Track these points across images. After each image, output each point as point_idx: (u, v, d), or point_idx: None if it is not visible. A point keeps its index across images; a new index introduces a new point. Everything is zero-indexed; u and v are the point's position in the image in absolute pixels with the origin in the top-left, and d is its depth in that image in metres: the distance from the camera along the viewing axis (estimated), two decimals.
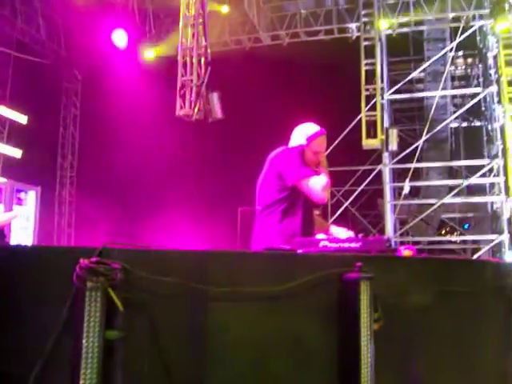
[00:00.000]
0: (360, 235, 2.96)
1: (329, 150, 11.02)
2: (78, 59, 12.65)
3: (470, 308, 2.48)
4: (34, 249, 2.36)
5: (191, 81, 9.43)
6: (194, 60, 9.50)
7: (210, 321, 1.96)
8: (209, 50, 9.69)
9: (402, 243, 11.68)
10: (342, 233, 3.71)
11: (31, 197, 8.34)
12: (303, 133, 3.75)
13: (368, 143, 10.69)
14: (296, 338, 2.07)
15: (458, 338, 2.42)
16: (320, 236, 3.28)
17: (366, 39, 11.03)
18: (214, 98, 9.55)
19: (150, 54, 11.86)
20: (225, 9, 11.40)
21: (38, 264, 1.97)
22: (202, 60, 9.58)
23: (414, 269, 2.38)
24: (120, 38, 11.12)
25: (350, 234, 3.65)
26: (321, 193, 3.52)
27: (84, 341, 1.83)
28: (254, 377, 2.01)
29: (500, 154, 11.11)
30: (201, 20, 9.53)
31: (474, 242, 13.99)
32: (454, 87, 14.00)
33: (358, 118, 10.83)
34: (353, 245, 2.88)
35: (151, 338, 1.91)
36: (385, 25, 11.26)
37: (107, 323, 1.85)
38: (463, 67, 15.15)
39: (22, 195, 8.19)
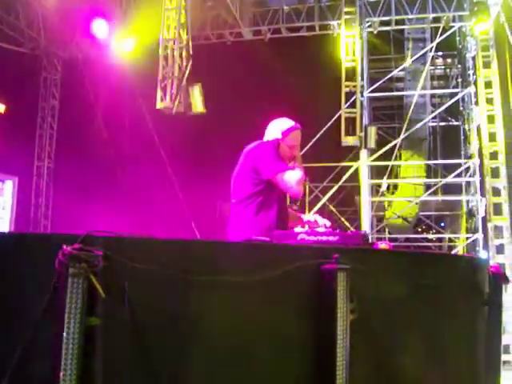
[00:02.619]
0: (337, 229, 3.01)
1: (308, 146, 11.20)
2: (58, 49, 12.51)
3: (443, 301, 2.55)
4: (16, 235, 2.36)
5: (172, 73, 9.41)
6: (176, 53, 9.47)
7: (192, 309, 2.00)
8: (190, 43, 9.67)
9: (379, 239, 11.82)
10: (317, 218, 3.79)
11: (8, 186, 8.26)
12: (278, 127, 3.81)
13: (347, 140, 10.76)
14: (274, 326, 2.11)
15: (431, 329, 2.49)
16: (298, 229, 3.34)
17: (347, 37, 11.09)
18: (195, 91, 9.54)
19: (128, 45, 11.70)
20: None
21: (19, 251, 1.97)
22: (184, 53, 9.56)
23: (389, 261, 2.44)
24: (101, 28, 11.01)
25: (325, 221, 3.73)
26: (296, 187, 3.58)
27: (65, 327, 1.85)
28: (234, 364, 2.05)
29: (476, 153, 11.29)
30: (183, 12, 9.51)
31: (450, 240, 14.23)
32: (433, 87, 14.19)
33: (338, 114, 10.90)
34: (330, 238, 2.93)
35: (133, 324, 1.94)
36: (366, 23, 11.35)
37: (89, 310, 1.87)
38: (442, 67, 15.35)
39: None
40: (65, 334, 1.84)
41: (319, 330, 2.14)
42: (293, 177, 3.56)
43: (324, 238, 2.93)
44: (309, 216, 3.88)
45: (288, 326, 2.14)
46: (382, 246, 2.74)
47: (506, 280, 3.02)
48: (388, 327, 2.33)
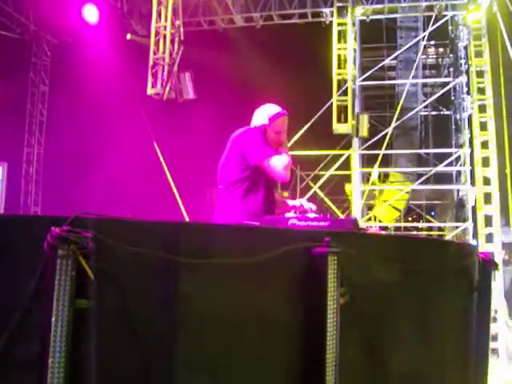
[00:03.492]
0: (328, 214, 3.01)
1: (299, 134, 11.17)
2: (48, 34, 12.36)
3: (433, 286, 2.55)
4: (4, 217, 2.34)
5: (163, 59, 9.35)
6: (167, 39, 9.41)
7: (181, 291, 1.98)
8: (182, 30, 9.60)
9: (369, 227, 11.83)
10: (303, 202, 3.81)
11: None
12: (265, 113, 3.84)
13: (338, 128, 10.76)
14: (265, 309, 2.11)
15: (421, 314, 2.50)
16: (289, 214, 3.33)
17: (339, 24, 11.05)
18: (187, 77, 9.49)
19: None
20: None
21: (8, 232, 1.95)
22: (176, 39, 9.49)
23: (380, 246, 2.44)
24: (91, 13, 10.89)
25: (311, 205, 3.76)
26: (282, 171, 3.60)
27: (54, 309, 1.83)
28: (223, 347, 2.04)
29: (467, 143, 11.34)
30: None
31: (440, 229, 14.31)
32: (424, 76, 14.18)
33: (330, 102, 10.88)
34: (321, 224, 2.93)
35: (122, 307, 1.92)
36: (359, 11, 11.31)
37: (78, 292, 1.85)
38: (434, 56, 15.34)
39: None
40: (53, 316, 1.83)
41: (309, 314, 2.14)
42: (279, 161, 3.58)
43: (315, 223, 2.93)
44: (294, 201, 3.90)
45: (277, 309, 2.14)
46: (374, 230, 2.74)
47: (496, 266, 3.03)
48: (378, 311, 2.33)
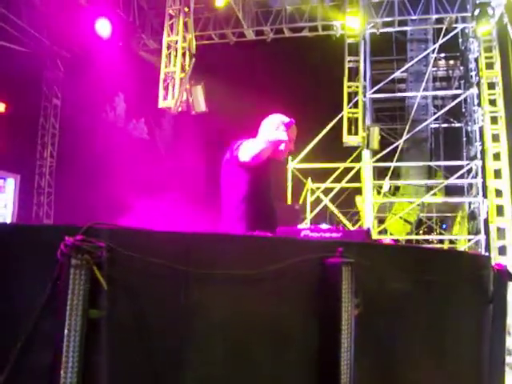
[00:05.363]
0: (340, 227, 3.00)
1: (310, 146, 11.15)
2: (60, 48, 12.49)
3: (447, 297, 2.53)
4: (18, 226, 2.34)
5: (174, 72, 9.41)
6: (179, 52, 9.48)
7: (192, 302, 1.97)
8: (194, 43, 9.68)
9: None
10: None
11: (10, 184, 8.25)
12: (275, 123, 3.82)
13: (349, 141, 10.75)
14: (277, 321, 2.09)
15: (434, 325, 2.47)
16: (301, 226, 3.32)
17: (350, 37, 11.09)
18: (198, 90, 9.54)
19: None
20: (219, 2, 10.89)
21: (22, 241, 1.95)
22: (187, 53, 9.57)
23: (394, 257, 2.42)
24: (103, 27, 11.01)
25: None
26: (256, 151, 3.51)
27: (67, 319, 1.83)
28: (233, 358, 2.03)
29: (478, 155, 11.27)
30: (186, 9, 9.51)
31: (451, 241, 14.19)
32: (435, 88, 14.16)
33: (340, 115, 10.89)
34: (334, 235, 2.92)
35: (134, 317, 1.92)
36: (369, 24, 11.34)
37: (91, 302, 1.85)
38: (445, 69, 15.32)
39: (1, 182, 8.09)
40: (66, 326, 1.82)
41: (322, 325, 2.12)
42: (253, 144, 3.57)
43: (327, 234, 2.92)
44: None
45: (290, 320, 2.12)
46: (387, 241, 2.73)
47: (511, 277, 2.99)
48: (392, 322, 2.31)
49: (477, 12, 10.07)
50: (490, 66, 10.80)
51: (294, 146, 3.88)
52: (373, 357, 2.28)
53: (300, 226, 3.25)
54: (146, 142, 10.61)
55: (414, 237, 13.50)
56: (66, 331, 1.83)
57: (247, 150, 3.56)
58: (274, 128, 3.80)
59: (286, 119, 3.85)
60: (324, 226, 3.55)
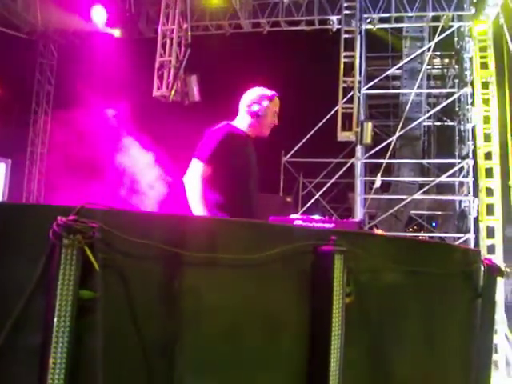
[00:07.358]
0: (333, 217, 3.00)
1: (303, 140, 11.15)
2: (55, 34, 12.40)
3: (438, 289, 2.54)
4: (9, 205, 2.32)
5: (169, 62, 9.38)
6: (174, 41, 9.45)
7: (184, 285, 1.97)
8: (189, 33, 9.64)
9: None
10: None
11: (1, 169, 8.20)
12: (259, 95, 3.79)
13: (343, 135, 10.76)
14: (268, 307, 2.09)
15: (425, 316, 2.48)
16: (294, 216, 3.33)
17: (346, 32, 11.08)
18: (192, 80, 9.52)
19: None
20: None
21: (13, 221, 1.93)
22: (183, 42, 9.54)
23: (386, 247, 2.43)
24: (99, 14, 10.93)
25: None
26: (190, 200, 3.22)
27: (58, 299, 1.81)
28: (225, 343, 2.03)
29: (470, 154, 11.33)
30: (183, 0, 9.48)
31: (441, 239, 14.25)
32: (429, 86, 14.18)
33: (335, 110, 10.89)
34: (326, 225, 2.93)
35: (125, 299, 1.91)
36: (365, 19, 11.35)
37: (82, 283, 1.83)
38: (440, 67, 15.35)
39: None
40: (57, 306, 1.81)
41: (314, 312, 2.12)
42: (193, 194, 3.24)
43: (319, 224, 2.93)
44: None
45: (282, 306, 2.12)
46: (379, 232, 2.74)
47: (501, 273, 3.01)
48: (383, 312, 2.32)
49: (473, 11, 10.12)
50: (484, 65, 10.83)
51: (277, 119, 3.81)
52: (362, 344, 2.29)
53: (292, 216, 3.25)
54: (143, 130, 10.54)
55: (403, 234, 13.53)
56: (56, 311, 1.82)
57: (188, 182, 3.39)
58: (255, 101, 3.73)
59: (269, 92, 3.79)
60: (317, 216, 3.56)
